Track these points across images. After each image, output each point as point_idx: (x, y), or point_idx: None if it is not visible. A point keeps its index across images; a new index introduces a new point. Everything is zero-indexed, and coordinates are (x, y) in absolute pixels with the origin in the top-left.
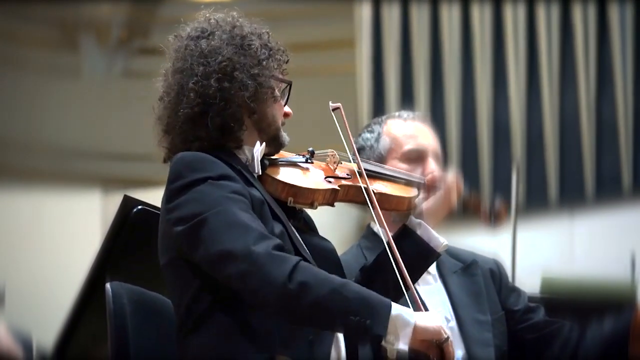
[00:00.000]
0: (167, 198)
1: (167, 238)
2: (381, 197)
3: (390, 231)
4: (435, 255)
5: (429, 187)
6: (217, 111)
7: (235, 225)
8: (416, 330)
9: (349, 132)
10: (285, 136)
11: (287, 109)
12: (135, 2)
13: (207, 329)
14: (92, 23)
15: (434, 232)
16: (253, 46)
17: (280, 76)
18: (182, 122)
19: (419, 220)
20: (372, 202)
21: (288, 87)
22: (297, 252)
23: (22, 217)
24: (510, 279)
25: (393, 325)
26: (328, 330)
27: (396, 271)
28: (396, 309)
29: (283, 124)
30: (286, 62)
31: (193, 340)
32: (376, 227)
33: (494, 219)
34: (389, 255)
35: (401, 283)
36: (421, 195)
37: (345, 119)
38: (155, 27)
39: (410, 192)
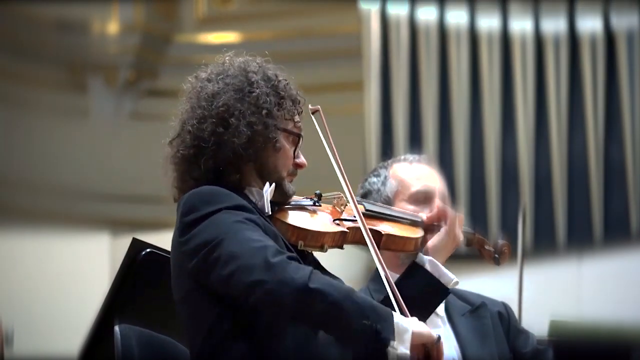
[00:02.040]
0: (181, 231)
1: (182, 271)
2: (388, 238)
3: (395, 272)
4: (445, 291)
5: (429, 226)
6: (210, 154)
7: (250, 243)
8: (414, 335)
9: (329, 135)
10: (289, 186)
11: (300, 159)
12: (143, 44)
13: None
14: (100, 64)
15: (444, 269)
16: (255, 93)
17: (290, 127)
18: (179, 162)
19: (428, 257)
20: (371, 241)
21: (298, 138)
22: None
23: (31, 259)
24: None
25: (396, 331)
26: (339, 333)
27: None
28: (396, 316)
29: (294, 174)
30: (299, 113)
31: None
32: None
33: (498, 257)
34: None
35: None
36: (423, 234)
37: (324, 121)
38: (163, 69)
39: (417, 233)
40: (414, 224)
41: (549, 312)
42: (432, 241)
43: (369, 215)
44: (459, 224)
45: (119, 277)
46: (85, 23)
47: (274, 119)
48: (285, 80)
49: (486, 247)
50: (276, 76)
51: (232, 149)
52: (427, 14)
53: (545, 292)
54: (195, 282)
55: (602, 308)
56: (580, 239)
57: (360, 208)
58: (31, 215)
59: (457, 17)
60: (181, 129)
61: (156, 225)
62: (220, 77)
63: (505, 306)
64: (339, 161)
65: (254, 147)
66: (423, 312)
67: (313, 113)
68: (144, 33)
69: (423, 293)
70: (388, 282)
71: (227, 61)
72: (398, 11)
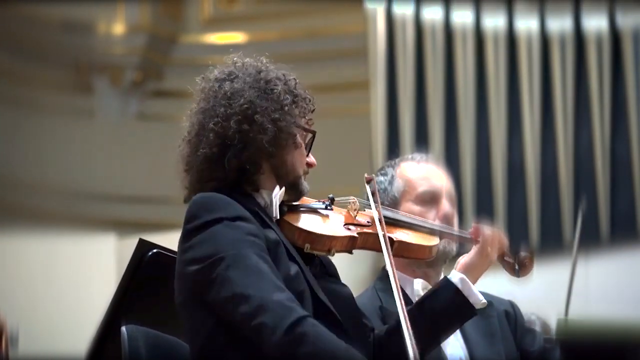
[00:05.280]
0: (183, 239)
1: (182, 278)
2: (401, 245)
3: (410, 276)
4: (472, 311)
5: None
6: (235, 153)
7: (248, 271)
8: None
9: (379, 204)
10: (305, 185)
11: (310, 159)
12: (149, 44)
13: None
14: (106, 65)
15: (474, 289)
16: (276, 90)
17: (304, 124)
18: (201, 161)
19: (462, 275)
20: (387, 251)
21: (311, 136)
22: (313, 293)
23: (37, 260)
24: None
25: None
26: None
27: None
28: None
29: (306, 173)
30: (312, 112)
31: None
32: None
33: (519, 269)
34: (399, 307)
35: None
36: (438, 242)
37: (377, 190)
38: (168, 70)
39: (432, 241)
40: (432, 232)
41: (557, 311)
42: (465, 259)
43: (385, 222)
44: (492, 243)
45: (126, 277)
46: (90, 24)
47: (292, 116)
48: (295, 79)
49: (506, 258)
50: (284, 76)
51: (258, 146)
52: (432, 14)
53: (553, 291)
54: (192, 291)
55: (609, 306)
56: (587, 237)
57: (375, 214)
58: (37, 216)
59: (462, 17)
60: (200, 128)
61: (162, 226)
62: (235, 76)
63: (512, 305)
64: (380, 212)
65: (277, 144)
66: (446, 329)
67: (368, 182)
68: (149, 34)
69: (449, 310)
70: (399, 296)
71: (237, 61)
72: (404, 11)
